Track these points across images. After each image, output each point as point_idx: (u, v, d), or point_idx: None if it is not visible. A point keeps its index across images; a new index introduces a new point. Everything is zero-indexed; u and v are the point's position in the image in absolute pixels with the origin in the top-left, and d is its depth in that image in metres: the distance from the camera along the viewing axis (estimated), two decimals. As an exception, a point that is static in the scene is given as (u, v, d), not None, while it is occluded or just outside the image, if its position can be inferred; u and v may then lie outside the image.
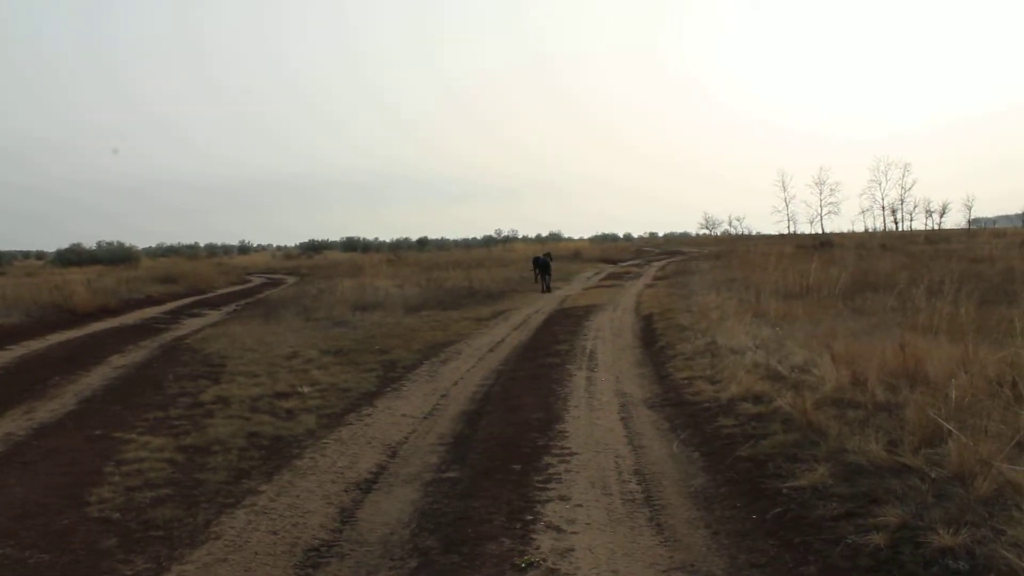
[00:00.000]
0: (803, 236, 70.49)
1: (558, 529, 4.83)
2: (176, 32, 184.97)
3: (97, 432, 7.55)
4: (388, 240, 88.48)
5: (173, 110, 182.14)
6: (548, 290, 23.14)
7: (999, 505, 4.27)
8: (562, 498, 5.38)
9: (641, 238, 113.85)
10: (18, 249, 79.35)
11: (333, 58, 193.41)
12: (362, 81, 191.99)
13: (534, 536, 4.72)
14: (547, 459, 6.30)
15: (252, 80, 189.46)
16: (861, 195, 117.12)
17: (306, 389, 9.12)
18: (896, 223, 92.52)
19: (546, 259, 24.42)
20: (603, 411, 7.92)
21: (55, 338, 14.54)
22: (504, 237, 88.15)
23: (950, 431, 5.09)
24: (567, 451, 6.50)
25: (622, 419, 7.59)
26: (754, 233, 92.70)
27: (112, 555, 4.62)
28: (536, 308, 18.47)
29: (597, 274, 33.37)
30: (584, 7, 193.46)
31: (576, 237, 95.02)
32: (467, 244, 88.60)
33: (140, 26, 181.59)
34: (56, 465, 6.51)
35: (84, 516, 5.27)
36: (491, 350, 12.21)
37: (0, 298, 19.13)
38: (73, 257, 51.54)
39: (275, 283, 34.01)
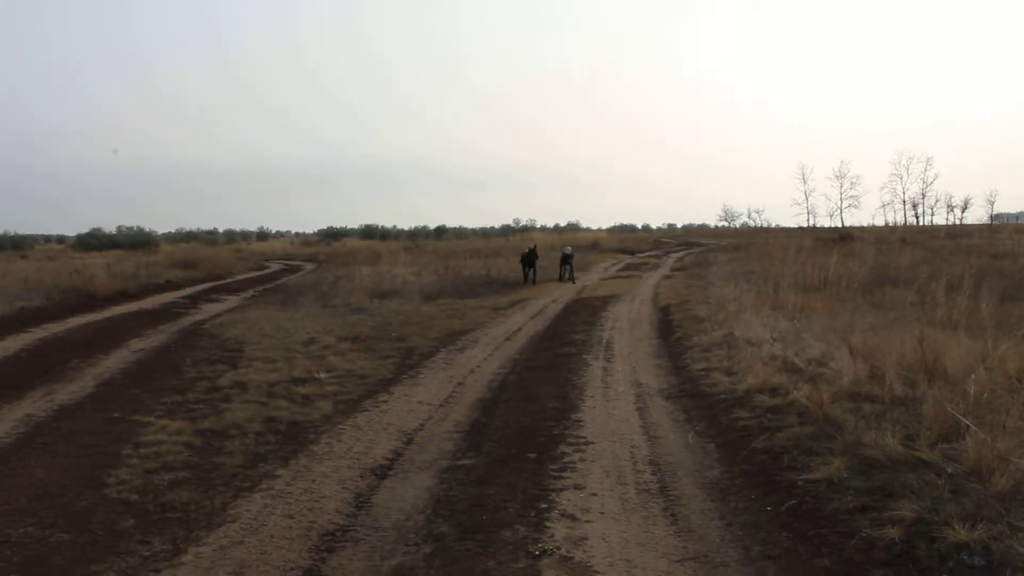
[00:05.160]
0: (823, 229, 70.11)
1: (573, 517, 4.84)
2: (194, 19, 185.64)
3: (116, 415, 7.62)
4: (406, 228, 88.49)
5: (193, 97, 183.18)
6: (572, 280, 23.02)
7: (1016, 501, 4.24)
8: (577, 487, 5.39)
9: (659, 229, 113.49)
10: (39, 233, 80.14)
11: (352, 47, 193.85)
12: (381, 71, 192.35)
13: (549, 524, 4.74)
14: (562, 448, 6.31)
15: (271, 68, 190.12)
16: (882, 189, 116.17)
17: (323, 375, 9.16)
18: (917, 217, 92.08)
19: (560, 252, 24.39)
20: (619, 401, 7.92)
21: (75, 321, 14.67)
22: (522, 226, 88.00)
23: (968, 426, 5.05)
24: (582, 440, 6.51)
25: (638, 409, 7.59)
26: (773, 226, 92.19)
27: (130, 536, 4.67)
28: (553, 298, 18.46)
29: (615, 264, 33.29)
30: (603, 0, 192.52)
31: (594, 228, 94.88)
32: (485, 233, 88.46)
33: (158, 13, 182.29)
34: (75, 447, 6.58)
35: (103, 497, 5.33)
36: (508, 339, 12.22)
37: (22, 281, 19.35)
38: (93, 242, 51.98)
39: (293, 270, 34.16)
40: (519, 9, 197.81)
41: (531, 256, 22.39)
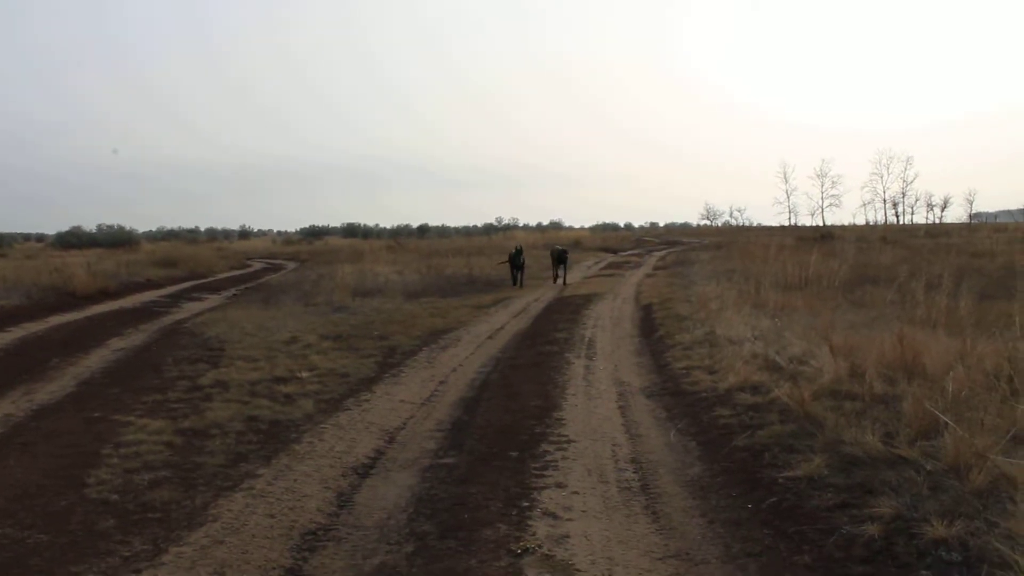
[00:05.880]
0: (804, 228, 70.50)
1: (554, 516, 4.84)
2: (179, 16, 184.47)
3: (96, 414, 7.56)
4: (389, 227, 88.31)
5: (175, 95, 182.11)
6: (555, 280, 22.25)
7: (993, 497, 4.29)
8: (559, 485, 5.40)
9: (642, 228, 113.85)
10: (19, 231, 79.38)
11: (336, 43, 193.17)
12: (366, 67, 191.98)
13: (530, 522, 4.74)
14: (544, 446, 6.31)
15: (255, 65, 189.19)
16: (863, 188, 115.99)
17: (305, 374, 9.13)
18: (897, 216, 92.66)
19: (552, 252, 23.58)
20: (601, 399, 7.93)
21: (55, 320, 14.55)
22: (505, 225, 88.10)
23: (946, 424, 5.10)
24: (564, 439, 6.51)
25: (620, 408, 7.60)
26: (755, 224, 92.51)
27: (110, 536, 4.64)
28: (536, 296, 18.47)
29: (597, 263, 33.38)
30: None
31: (577, 226, 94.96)
32: (468, 232, 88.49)
33: (143, 10, 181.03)
34: (55, 447, 6.53)
35: (82, 497, 5.28)
36: (490, 337, 12.22)
37: (0, 280, 19.14)
38: (73, 240, 51.63)
39: (275, 268, 34.03)
40: (507, 5, 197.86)
41: (517, 257, 21.79)
